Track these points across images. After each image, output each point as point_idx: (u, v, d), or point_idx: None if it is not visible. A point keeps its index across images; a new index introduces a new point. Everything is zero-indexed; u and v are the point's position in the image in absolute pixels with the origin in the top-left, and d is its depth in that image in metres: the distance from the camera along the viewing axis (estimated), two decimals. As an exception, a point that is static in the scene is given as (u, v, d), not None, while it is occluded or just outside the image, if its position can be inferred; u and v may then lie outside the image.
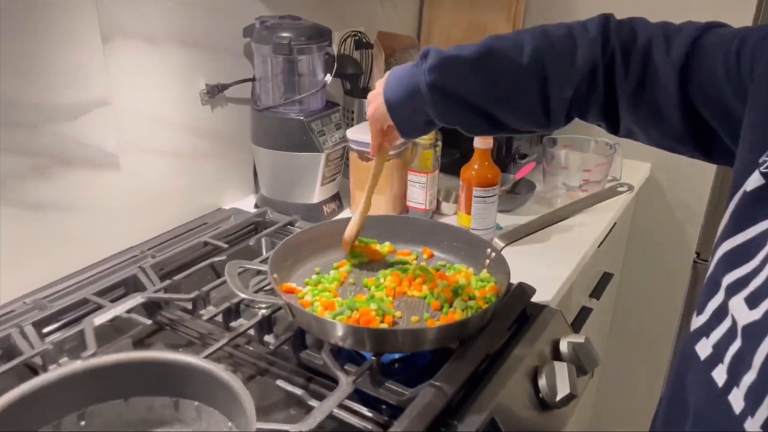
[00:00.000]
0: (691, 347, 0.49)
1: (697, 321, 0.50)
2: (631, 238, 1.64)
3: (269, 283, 0.82)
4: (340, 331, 0.70)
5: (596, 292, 1.32)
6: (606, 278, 1.37)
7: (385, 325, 0.76)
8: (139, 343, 0.83)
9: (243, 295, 0.72)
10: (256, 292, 0.87)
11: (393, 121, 0.72)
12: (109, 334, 0.83)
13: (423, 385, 0.68)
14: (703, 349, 0.48)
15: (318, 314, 0.77)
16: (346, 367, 0.73)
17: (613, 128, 0.68)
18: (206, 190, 1.15)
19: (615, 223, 1.28)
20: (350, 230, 0.88)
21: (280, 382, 0.69)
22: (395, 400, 0.68)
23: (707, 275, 0.52)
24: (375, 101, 0.74)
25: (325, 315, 0.76)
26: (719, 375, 0.45)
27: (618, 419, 1.79)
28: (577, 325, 1.20)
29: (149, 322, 0.78)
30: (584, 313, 1.24)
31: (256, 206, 1.19)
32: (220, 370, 0.53)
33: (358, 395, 0.70)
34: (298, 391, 0.68)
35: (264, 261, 0.84)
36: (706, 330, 0.48)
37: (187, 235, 1.05)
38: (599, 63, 0.63)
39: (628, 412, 1.78)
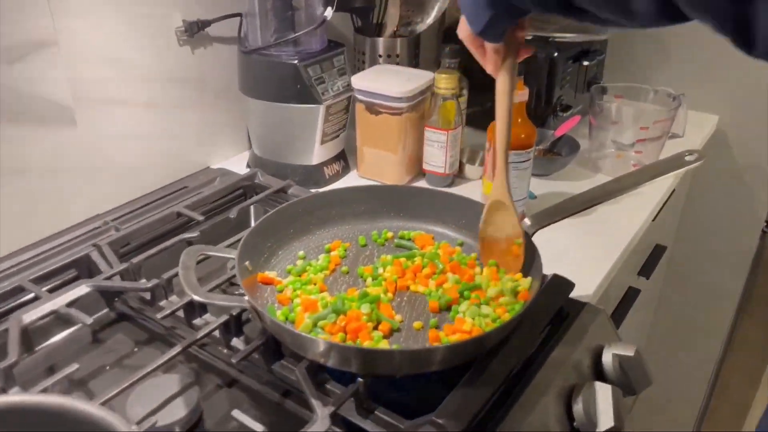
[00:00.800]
0: None
1: None
2: (688, 203, 1.42)
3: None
4: (319, 348, 0.55)
5: (645, 270, 1.12)
6: (658, 252, 1.17)
7: (379, 334, 0.60)
8: (96, 337, 0.70)
9: (196, 297, 0.56)
10: (230, 278, 0.71)
11: (462, 12, 0.59)
12: (58, 324, 0.70)
13: (422, 420, 0.53)
14: None
15: (296, 318, 0.61)
16: (328, 385, 0.58)
17: (746, 41, 0.42)
18: (189, 146, 0.99)
19: (674, 190, 1.07)
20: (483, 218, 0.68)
21: (236, 413, 0.54)
22: (386, 435, 0.53)
23: None
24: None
25: (305, 319, 0.61)
26: None
27: (659, 410, 1.63)
28: (621, 311, 1.02)
29: (90, 320, 0.64)
30: (630, 295, 1.05)
31: (248, 166, 1.03)
32: (118, 423, 0.38)
33: (342, 420, 0.55)
34: (258, 428, 0.53)
35: (234, 244, 0.68)
36: None
37: (161, 201, 0.90)
38: None
39: (669, 402, 1.61)
